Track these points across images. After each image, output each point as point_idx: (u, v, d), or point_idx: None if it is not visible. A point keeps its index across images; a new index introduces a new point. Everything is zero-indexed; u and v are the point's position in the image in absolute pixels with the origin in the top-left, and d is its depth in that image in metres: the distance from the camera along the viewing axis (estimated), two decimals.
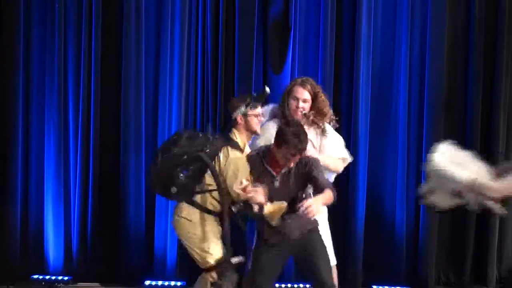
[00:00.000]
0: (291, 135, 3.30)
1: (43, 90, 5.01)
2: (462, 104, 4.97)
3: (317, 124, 3.81)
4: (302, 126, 3.46)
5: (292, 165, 3.40)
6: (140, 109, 4.96)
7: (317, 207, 3.22)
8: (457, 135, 4.93)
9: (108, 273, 5.04)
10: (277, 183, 3.45)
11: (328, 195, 3.33)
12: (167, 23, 4.94)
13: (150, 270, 5.02)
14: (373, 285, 4.91)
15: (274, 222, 3.42)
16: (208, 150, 3.61)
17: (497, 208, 3.29)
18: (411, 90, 4.94)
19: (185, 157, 3.60)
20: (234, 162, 3.59)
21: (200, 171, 3.62)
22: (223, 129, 4.03)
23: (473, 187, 3.14)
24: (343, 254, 4.65)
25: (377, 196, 5.00)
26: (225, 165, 3.61)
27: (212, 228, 3.64)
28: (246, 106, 3.69)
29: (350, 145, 4.82)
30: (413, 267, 4.99)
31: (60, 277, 4.97)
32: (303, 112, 3.75)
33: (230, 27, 4.96)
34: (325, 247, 3.58)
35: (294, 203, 3.40)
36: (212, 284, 3.60)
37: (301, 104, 3.75)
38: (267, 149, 3.52)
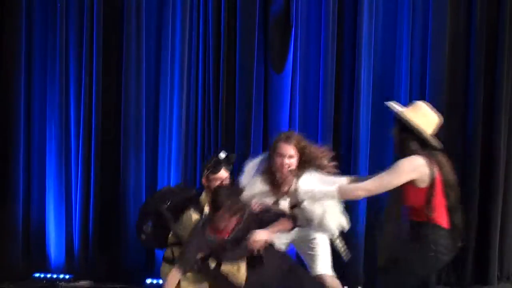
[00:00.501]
0: (224, 198, 3.30)
1: (45, 89, 5.03)
2: (463, 104, 4.94)
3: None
4: (236, 189, 3.48)
5: (231, 228, 3.37)
6: (140, 107, 4.96)
7: (260, 242, 3.32)
8: (458, 135, 4.94)
9: (109, 272, 5.06)
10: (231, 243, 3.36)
11: (278, 226, 3.40)
12: (168, 20, 4.95)
13: (151, 269, 5.03)
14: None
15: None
16: (169, 203, 3.76)
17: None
18: (412, 90, 4.91)
19: (147, 209, 3.83)
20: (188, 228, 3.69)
21: (164, 222, 3.77)
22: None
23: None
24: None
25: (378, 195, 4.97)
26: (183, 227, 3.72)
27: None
28: (207, 170, 3.81)
29: (351, 145, 4.82)
30: None
31: (61, 276, 5.00)
32: (290, 168, 3.65)
33: (231, 25, 4.95)
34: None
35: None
36: None
37: (286, 161, 3.64)
38: (208, 218, 3.44)
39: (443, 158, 3.28)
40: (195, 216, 3.72)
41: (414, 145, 3.20)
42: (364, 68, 4.84)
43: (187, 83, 4.99)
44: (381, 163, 4.96)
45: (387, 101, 4.87)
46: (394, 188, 3.17)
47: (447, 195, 3.22)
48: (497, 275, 5.00)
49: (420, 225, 3.15)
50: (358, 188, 3.24)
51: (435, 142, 3.25)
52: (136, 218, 3.99)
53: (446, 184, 3.21)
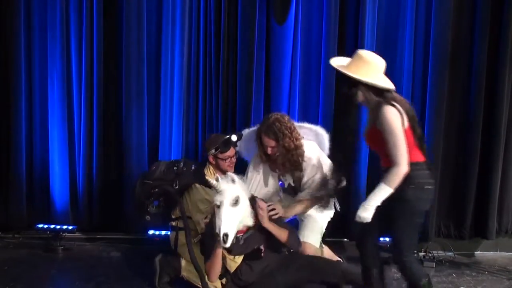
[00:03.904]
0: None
1: (45, 37, 4.96)
2: (467, 57, 4.87)
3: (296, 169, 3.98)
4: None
5: None
6: (142, 53, 4.93)
7: (283, 212, 3.84)
8: (462, 87, 4.90)
9: (112, 223, 5.11)
10: (241, 241, 3.58)
11: (283, 233, 3.63)
12: None
13: None
14: None
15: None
16: (176, 187, 4.04)
17: None
18: (416, 43, 4.86)
19: (156, 190, 4.05)
20: (195, 202, 4.01)
21: (171, 202, 4.07)
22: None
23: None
24: (347, 207, 4.66)
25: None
26: (190, 201, 3.96)
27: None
28: (216, 150, 4.08)
29: None
30: None
31: (65, 226, 5.03)
32: (276, 154, 3.90)
33: None
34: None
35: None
36: None
37: (269, 150, 3.90)
38: None
39: (397, 95, 3.40)
40: (202, 190, 4.03)
41: (374, 96, 3.33)
42: (368, 19, 4.77)
43: (188, 35, 4.93)
44: None
45: (391, 54, 4.88)
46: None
47: (414, 129, 3.34)
48: (496, 228, 5.05)
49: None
50: (399, 171, 3.25)
51: (388, 85, 3.36)
52: (133, 187, 4.22)
53: (411, 120, 3.32)
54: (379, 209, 3.31)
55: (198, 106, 5.03)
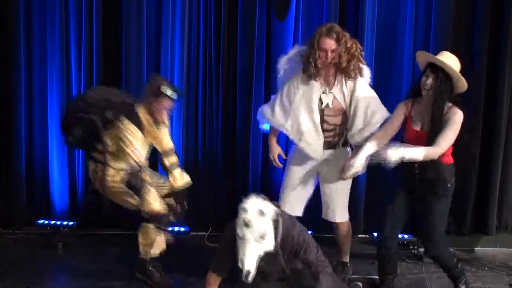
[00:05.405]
0: None
1: (45, 35, 4.95)
2: (467, 56, 4.80)
3: (352, 74, 3.87)
4: None
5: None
6: (142, 54, 4.92)
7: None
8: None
9: (112, 218, 5.09)
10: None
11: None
12: None
13: None
14: (374, 232, 4.97)
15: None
16: (108, 116, 3.93)
17: None
18: (416, 40, 4.84)
19: (83, 116, 3.97)
20: (119, 136, 3.91)
21: (96, 131, 3.96)
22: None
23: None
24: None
25: None
26: (119, 135, 3.89)
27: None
28: (152, 94, 3.93)
29: None
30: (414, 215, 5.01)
31: (65, 222, 5.04)
32: (333, 61, 3.80)
33: None
34: None
35: (283, 275, 3.40)
36: None
37: (330, 54, 3.77)
38: None
39: None
40: (130, 127, 3.89)
41: (454, 96, 3.68)
42: (368, 14, 4.76)
43: (188, 31, 4.92)
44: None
45: (392, 48, 4.88)
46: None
47: None
48: (496, 224, 5.05)
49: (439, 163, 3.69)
50: (436, 151, 3.59)
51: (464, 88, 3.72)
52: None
53: None
54: (406, 211, 3.83)
55: (198, 101, 5.01)
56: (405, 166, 3.62)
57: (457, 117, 3.62)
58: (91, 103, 4.04)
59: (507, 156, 4.94)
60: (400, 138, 3.86)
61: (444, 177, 3.71)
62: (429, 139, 3.63)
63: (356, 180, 4.90)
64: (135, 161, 3.88)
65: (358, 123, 3.93)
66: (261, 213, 3.10)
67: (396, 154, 3.50)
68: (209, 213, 5.09)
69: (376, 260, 4.11)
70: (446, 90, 3.61)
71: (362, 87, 3.93)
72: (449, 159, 3.75)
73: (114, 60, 4.99)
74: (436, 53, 3.77)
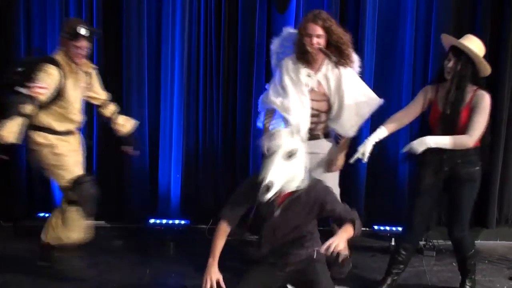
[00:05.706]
0: None
1: (45, 32, 4.94)
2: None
3: (339, 61, 3.87)
4: None
5: None
6: (143, 50, 4.92)
7: (341, 244, 2.96)
8: None
9: (113, 212, 5.12)
10: (277, 212, 3.24)
11: (350, 230, 3.08)
12: None
13: (154, 209, 5.10)
14: (374, 225, 4.98)
15: None
16: (20, 69, 3.79)
17: None
18: (417, 37, 4.85)
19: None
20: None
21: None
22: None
23: None
24: (347, 197, 4.66)
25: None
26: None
27: None
28: (67, 34, 3.82)
29: None
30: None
31: None
32: (319, 47, 3.81)
33: None
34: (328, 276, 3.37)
35: (299, 234, 3.30)
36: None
37: (315, 40, 3.80)
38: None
39: None
40: (53, 70, 3.81)
41: (480, 79, 3.65)
42: (369, 6, 4.75)
43: (189, 24, 4.91)
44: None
45: (392, 40, 4.87)
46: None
47: None
48: (496, 218, 5.07)
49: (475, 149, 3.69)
50: (468, 140, 3.59)
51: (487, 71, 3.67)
52: None
53: None
54: (437, 198, 3.81)
55: (198, 96, 5.02)
56: (433, 151, 3.61)
57: (485, 101, 3.59)
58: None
59: (507, 149, 4.95)
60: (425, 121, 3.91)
61: (472, 159, 3.69)
62: (448, 122, 3.61)
63: (356, 173, 4.94)
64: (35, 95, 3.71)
65: (346, 114, 3.91)
66: (292, 133, 3.08)
67: (422, 146, 3.56)
68: (210, 206, 5.10)
69: (390, 251, 4.15)
70: (467, 73, 3.58)
71: (350, 77, 3.93)
72: (476, 143, 3.69)
73: (114, 60, 4.99)
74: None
